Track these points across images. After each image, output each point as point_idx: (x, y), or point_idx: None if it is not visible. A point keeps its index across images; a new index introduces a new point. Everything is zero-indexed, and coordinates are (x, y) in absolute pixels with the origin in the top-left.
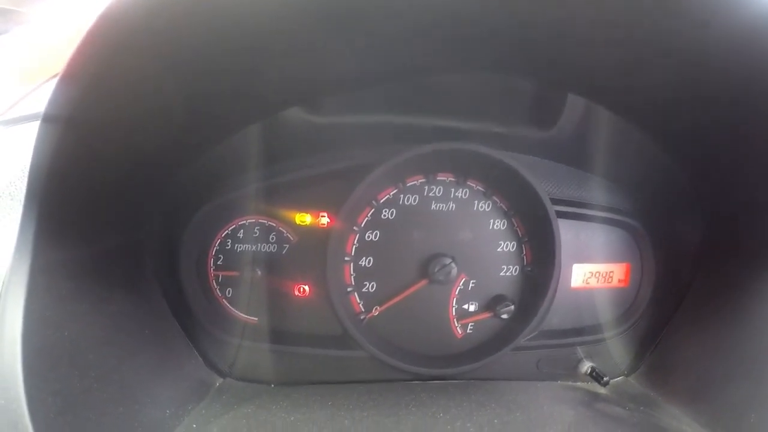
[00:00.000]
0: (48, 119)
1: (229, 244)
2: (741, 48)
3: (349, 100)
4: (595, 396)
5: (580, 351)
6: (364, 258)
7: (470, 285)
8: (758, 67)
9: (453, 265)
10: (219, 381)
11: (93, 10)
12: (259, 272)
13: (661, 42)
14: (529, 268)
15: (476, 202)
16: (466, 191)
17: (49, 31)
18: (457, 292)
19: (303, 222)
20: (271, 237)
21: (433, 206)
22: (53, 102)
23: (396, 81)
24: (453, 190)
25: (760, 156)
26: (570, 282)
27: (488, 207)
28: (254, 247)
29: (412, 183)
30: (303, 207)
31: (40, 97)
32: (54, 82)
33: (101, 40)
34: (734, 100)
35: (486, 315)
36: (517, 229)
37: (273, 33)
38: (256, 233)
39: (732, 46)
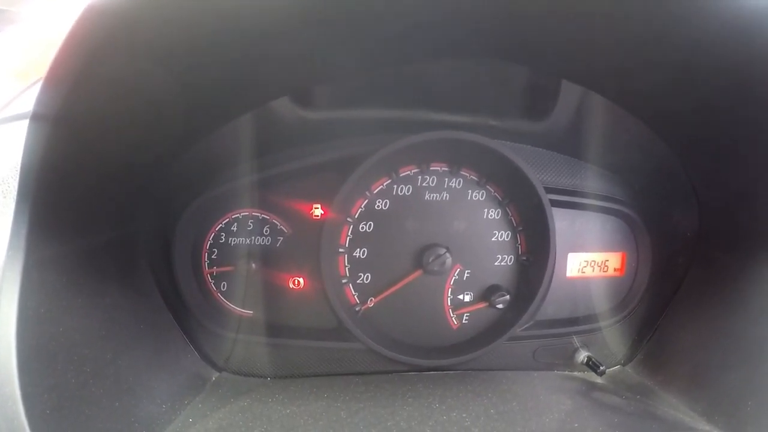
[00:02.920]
0: (36, 117)
1: (223, 237)
2: (736, 34)
3: (341, 96)
4: (592, 385)
5: (576, 340)
6: (358, 249)
7: (465, 275)
8: (754, 53)
9: (447, 255)
10: (215, 375)
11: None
12: (254, 265)
13: (654, 26)
14: (524, 258)
15: (470, 191)
16: (459, 181)
17: (42, 29)
18: (452, 283)
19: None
20: (265, 230)
21: (426, 196)
22: (41, 99)
23: (388, 68)
24: (446, 179)
25: (755, 144)
26: (565, 271)
27: (482, 196)
28: (248, 240)
29: (406, 173)
30: (296, 199)
31: (33, 95)
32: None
33: (86, 35)
34: (729, 86)
35: (481, 305)
36: (512, 218)
37: (260, 24)
38: (249, 226)
39: (727, 31)
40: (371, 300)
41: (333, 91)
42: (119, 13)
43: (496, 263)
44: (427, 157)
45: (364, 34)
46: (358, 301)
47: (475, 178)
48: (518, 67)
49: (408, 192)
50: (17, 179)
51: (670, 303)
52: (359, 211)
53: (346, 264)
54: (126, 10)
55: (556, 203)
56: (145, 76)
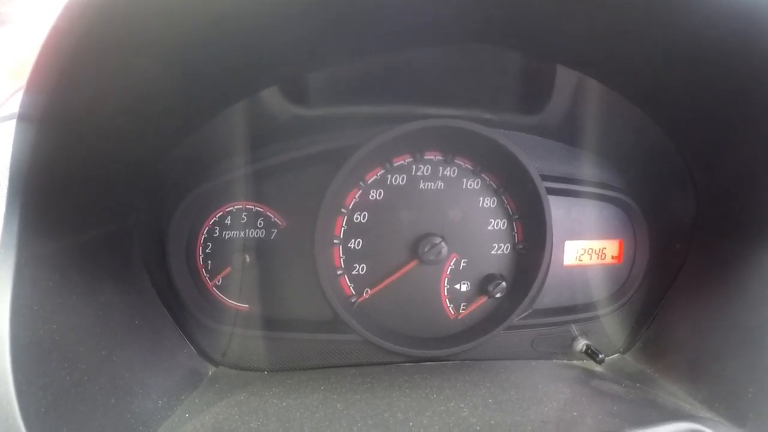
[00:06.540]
0: (23, 116)
1: (217, 231)
2: (733, 12)
3: (334, 92)
4: (591, 374)
5: (574, 329)
6: (353, 240)
7: (461, 264)
8: (751, 31)
9: (443, 244)
10: (212, 370)
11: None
12: (248, 259)
13: (648, 6)
14: (521, 246)
15: (465, 180)
16: (454, 169)
17: (34, 29)
18: (448, 272)
19: None
20: (259, 222)
21: (421, 185)
22: (26, 99)
23: (380, 61)
24: (441, 168)
25: (753, 127)
26: (562, 259)
27: (477, 185)
28: (242, 234)
29: (400, 162)
30: (290, 190)
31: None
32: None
33: (67, 32)
34: (725, 66)
35: (480, 302)
36: (508, 206)
37: (248, 10)
38: (243, 219)
39: (724, 10)
40: (367, 291)
41: (325, 87)
42: (100, 7)
43: (492, 252)
44: (421, 146)
45: (355, 21)
46: (354, 293)
47: (470, 167)
48: (512, 55)
49: (402, 181)
50: (7, 176)
51: (669, 290)
52: (353, 202)
53: (341, 255)
54: (107, 2)
55: (552, 191)
56: (130, 69)
